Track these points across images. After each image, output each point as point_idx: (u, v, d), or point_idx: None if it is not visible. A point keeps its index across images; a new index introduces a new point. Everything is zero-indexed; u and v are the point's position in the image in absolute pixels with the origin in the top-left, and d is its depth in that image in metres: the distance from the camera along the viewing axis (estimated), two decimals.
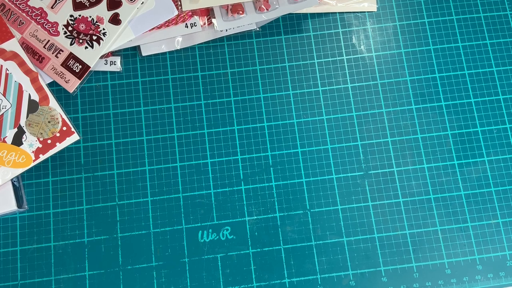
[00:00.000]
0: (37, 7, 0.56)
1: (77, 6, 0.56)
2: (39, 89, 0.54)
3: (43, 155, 0.53)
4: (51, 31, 0.56)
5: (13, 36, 0.55)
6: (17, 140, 0.53)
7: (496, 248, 0.54)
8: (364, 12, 0.60)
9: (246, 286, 0.53)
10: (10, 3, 0.56)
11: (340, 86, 0.58)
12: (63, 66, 0.55)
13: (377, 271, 0.54)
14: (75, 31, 0.56)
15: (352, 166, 0.56)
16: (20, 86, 0.54)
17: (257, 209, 0.55)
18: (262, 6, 0.57)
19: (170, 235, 0.54)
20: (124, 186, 0.55)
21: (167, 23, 0.57)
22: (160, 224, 0.54)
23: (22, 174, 0.55)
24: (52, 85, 0.56)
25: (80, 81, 0.55)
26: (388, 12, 0.60)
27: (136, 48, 0.58)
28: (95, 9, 0.56)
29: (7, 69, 0.54)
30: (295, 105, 0.57)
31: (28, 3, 0.56)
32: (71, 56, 0.55)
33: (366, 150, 0.56)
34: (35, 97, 0.54)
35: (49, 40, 0.55)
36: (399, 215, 0.55)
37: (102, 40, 0.55)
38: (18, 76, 0.54)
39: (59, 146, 0.53)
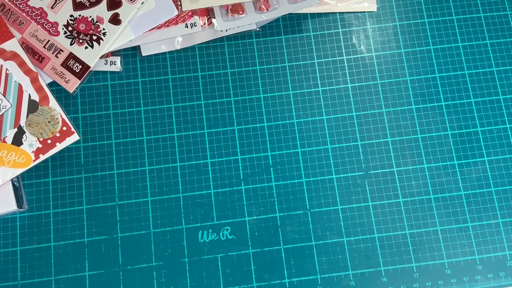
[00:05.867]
0: (37, 7, 0.56)
1: (77, 6, 0.56)
2: (39, 89, 0.54)
3: (43, 155, 0.53)
4: (51, 31, 0.56)
5: (13, 36, 0.55)
6: (17, 140, 0.53)
7: (496, 248, 0.54)
8: (364, 12, 0.60)
9: (246, 286, 0.53)
10: (10, 3, 0.56)
11: (340, 86, 0.58)
12: (63, 66, 0.55)
13: (377, 271, 0.54)
14: (75, 31, 0.56)
15: (352, 166, 0.56)
16: (20, 86, 0.54)
17: (257, 209, 0.55)
18: (262, 6, 0.57)
19: (170, 235, 0.54)
20: (124, 186, 0.55)
21: (167, 23, 0.57)
22: (160, 224, 0.54)
23: (22, 174, 0.55)
24: (52, 85, 0.56)
25: (80, 81, 0.55)
26: (388, 12, 0.60)
27: (136, 48, 0.58)
28: (95, 9, 0.56)
29: (7, 69, 0.54)
30: (295, 105, 0.57)
31: (28, 3, 0.56)
32: (71, 56, 0.55)
33: (366, 150, 0.56)
34: (35, 97, 0.54)
35: (49, 40, 0.55)
36: (399, 215, 0.55)
37: (102, 40, 0.55)
38: (18, 76, 0.54)
39: (59, 146, 0.53)
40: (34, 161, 0.53)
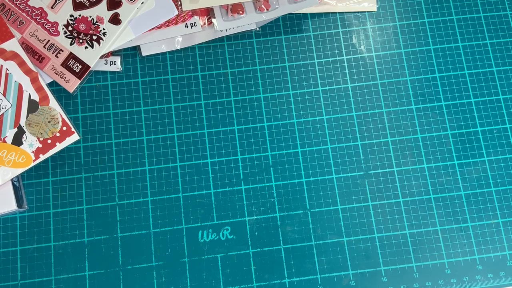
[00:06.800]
0: (37, 7, 0.56)
1: (77, 6, 0.56)
2: (39, 89, 0.54)
3: (43, 155, 0.53)
4: (51, 31, 0.56)
5: (13, 36, 0.55)
6: (17, 140, 0.53)
7: (496, 248, 0.54)
8: (364, 12, 0.60)
9: (246, 286, 0.53)
10: (10, 3, 0.56)
11: (340, 86, 0.58)
12: (63, 66, 0.55)
13: (377, 271, 0.54)
14: (75, 31, 0.56)
15: (352, 166, 0.56)
16: (20, 86, 0.54)
17: (257, 209, 0.55)
18: (262, 6, 0.57)
19: (170, 235, 0.54)
20: (124, 186, 0.55)
21: (167, 23, 0.57)
22: (160, 224, 0.54)
23: (22, 174, 0.55)
24: (52, 85, 0.56)
25: (80, 81, 0.55)
26: (388, 12, 0.60)
27: (136, 48, 0.58)
28: (95, 9, 0.56)
29: (7, 69, 0.54)
30: (295, 105, 0.57)
31: (28, 3, 0.56)
32: (71, 56, 0.55)
33: (366, 150, 0.56)
34: (35, 97, 0.54)
35: (49, 40, 0.55)
36: (399, 215, 0.55)
37: (102, 40, 0.55)
38: (18, 76, 0.54)
39: (59, 146, 0.53)
40: (34, 161, 0.53)
